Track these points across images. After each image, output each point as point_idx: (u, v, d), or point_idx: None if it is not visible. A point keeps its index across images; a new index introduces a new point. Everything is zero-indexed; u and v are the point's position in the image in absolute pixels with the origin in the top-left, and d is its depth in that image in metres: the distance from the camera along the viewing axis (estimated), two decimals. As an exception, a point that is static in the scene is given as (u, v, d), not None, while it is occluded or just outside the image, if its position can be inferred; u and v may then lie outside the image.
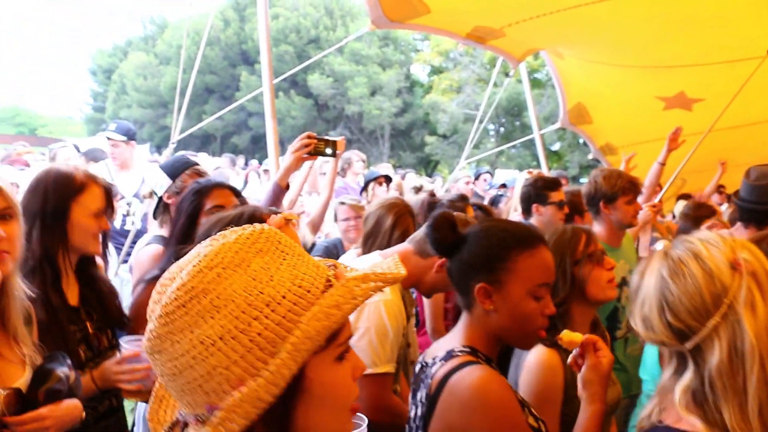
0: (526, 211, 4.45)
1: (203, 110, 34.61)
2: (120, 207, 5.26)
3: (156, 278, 2.49)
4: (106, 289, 2.57)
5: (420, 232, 2.84)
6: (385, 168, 9.32)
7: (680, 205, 6.12)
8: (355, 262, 3.03)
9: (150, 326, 0.99)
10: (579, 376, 1.87)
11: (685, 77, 6.52)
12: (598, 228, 3.83)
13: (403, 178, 9.88)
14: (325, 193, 5.07)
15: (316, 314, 0.97)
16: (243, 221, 2.10)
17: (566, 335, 1.84)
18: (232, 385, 0.94)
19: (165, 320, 0.96)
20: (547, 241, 1.93)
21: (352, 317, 1.06)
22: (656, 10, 5.27)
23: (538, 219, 4.36)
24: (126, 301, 3.46)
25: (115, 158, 5.55)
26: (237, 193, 2.88)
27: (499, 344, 1.87)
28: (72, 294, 2.41)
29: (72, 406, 1.92)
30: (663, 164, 5.26)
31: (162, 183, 3.44)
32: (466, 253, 1.85)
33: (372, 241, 3.23)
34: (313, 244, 5.05)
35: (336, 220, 4.83)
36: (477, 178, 8.97)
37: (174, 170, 3.47)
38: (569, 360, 1.89)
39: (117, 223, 5.24)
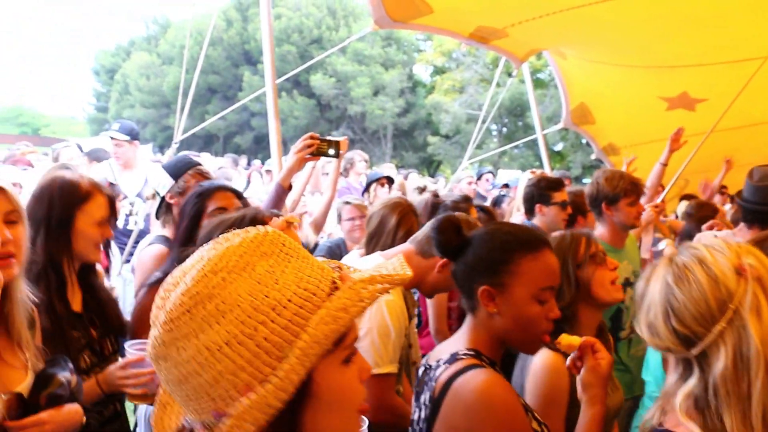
0: (529, 212, 4.44)
1: (206, 110, 34.65)
2: (123, 207, 5.27)
3: (158, 282, 2.51)
4: (105, 297, 2.58)
5: (421, 233, 2.84)
6: (388, 168, 9.32)
7: (683, 206, 6.11)
8: (358, 262, 3.03)
9: (154, 333, 0.98)
10: (578, 379, 1.86)
11: (688, 77, 6.51)
12: (601, 229, 3.83)
13: (405, 178, 9.88)
14: (328, 193, 5.07)
15: (324, 318, 0.96)
16: (245, 224, 2.10)
17: (564, 339, 1.83)
18: (239, 390, 0.93)
19: (170, 326, 0.95)
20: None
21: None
22: (659, 10, 5.27)
23: (541, 219, 4.35)
24: (129, 300, 3.46)
25: (119, 158, 5.55)
26: (239, 196, 2.89)
27: (503, 347, 1.87)
28: (76, 301, 2.42)
29: (73, 411, 1.91)
30: (665, 165, 5.25)
31: (164, 183, 3.44)
32: (470, 255, 1.86)
33: (376, 241, 3.23)
34: (316, 244, 5.05)
35: (340, 220, 4.83)
36: (479, 178, 8.95)
37: (176, 170, 3.47)
38: (567, 363, 1.89)
39: (120, 223, 5.24)
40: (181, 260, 2.51)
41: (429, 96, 36.47)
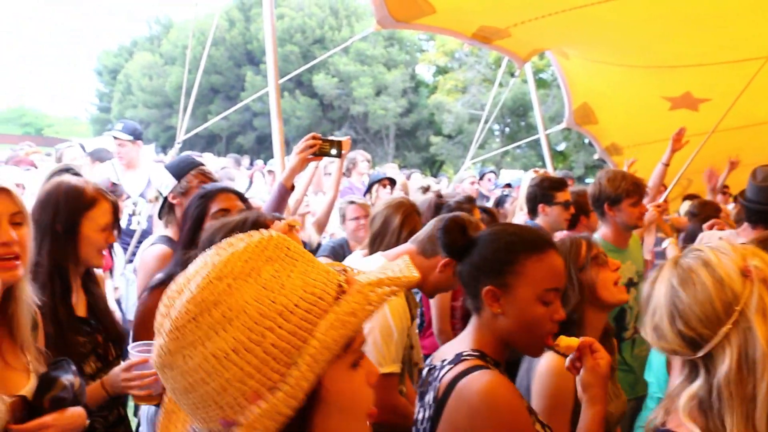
0: (532, 211, 4.44)
1: (208, 110, 34.67)
2: (126, 207, 5.27)
3: (160, 284, 2.52)
4: (103, 306, 2.59)
5: (423, 232, 2.84)
6: (390, 168, 9.32)
7: (686, 205, 6.11)
8: (361, 263, 3.03)
9: (159, 341, 0.97)
10: (578, 380, 1.86)
11: (691, 77, 6.50)
12: (604, 229, 3.83)
13: (408, 178, 9.88)
14: (331, 193, 5.07)
15: (333, 323, 0.95)
16: (246, 227, 2.11)
17: (563, 340, 1.83)
18: (247, 398, 0.92)
19: (175, 335, 0.94)
20: None
21: None
22: (662, 9, 5.26)
23: (544, 219, 4.35)
24: (132, 300, 3.47)
25: (122, 158, 5.55)
26: (242, 197, 2.89)
27: (508, 348, 1.87)
28: (81, 305, 2.44)
29: (76, 413, 1.92)
30: (667, 165, 5.26)
31: (167, 183, 3.44)
32: (475, 256, 1.86)
33: (380, 241, 3.24)
34: (319, 244, 5.05)
35: (344, 220, 4.82)
36: (481, 177, 8.96)
37: (179, 170, 3.47)
38: (566, 364, 1.89)
39: (123, 223, 5.25)
40: (184, 264, 2.52)
41: (431, 96, 36.45)
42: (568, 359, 1.88)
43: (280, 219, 2.15)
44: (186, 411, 1.00)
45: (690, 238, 4.80)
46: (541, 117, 8.07)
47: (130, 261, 4.73)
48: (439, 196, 4.82)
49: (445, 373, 1.78)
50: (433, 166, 37.25)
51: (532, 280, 1.78)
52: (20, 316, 1.91)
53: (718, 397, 1.35)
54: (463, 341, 1.87)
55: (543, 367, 2.18)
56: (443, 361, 1.84)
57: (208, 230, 2.26)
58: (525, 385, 2.26)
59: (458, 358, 1.79)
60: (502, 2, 5.51)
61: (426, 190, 6.87)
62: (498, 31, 5.90)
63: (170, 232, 3.38)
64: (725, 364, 1.34)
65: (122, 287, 4.67)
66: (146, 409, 2.86)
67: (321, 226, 5.23)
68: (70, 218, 2.37)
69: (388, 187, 6.05)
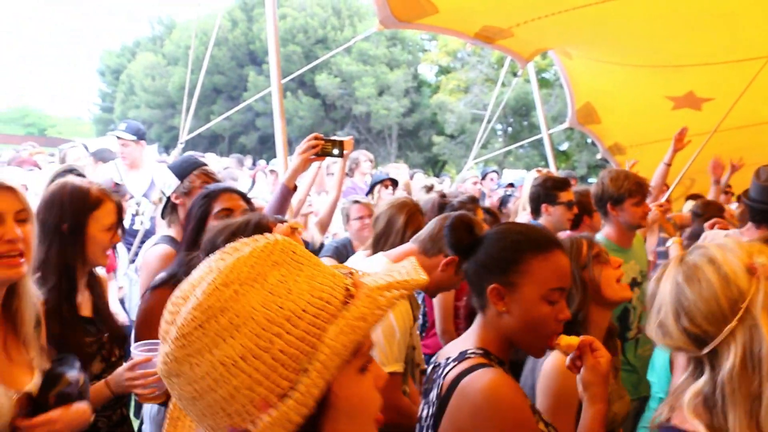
0: (535, 211, 4.44)
1: (211, 110, 34.68)
2: (129, 207, 5.28)
3: (163, 283, 2.53)
4: (106, 306, 2.61)
5: (424, 232, 2.85)
6: (395, 168, 9.31)
7: (689, 205, 6.10)
8: (364, 263, 3.03)
9: (165, 349, 0.95)
10: (578, 378, 1.87)
11: (694, 77, 6.48)
12: (607, 229, 3.82)
13: (411, 178, 9.87)
14: (333, 193, 5.07)
15: (343, 329, 0.94)
16: (249, 229, 2.12)
17: (563, 339, 1.83)
18: (256, 405, 0.91)
19: (182, 342, 0.92)
20: None
21: None
22: (665, 9, 5.25)
23: (547, 219, 4.34)
24: (135, 300, 3.47)
25: (125, 158, 5.56)
26: (245, 198, 2.89)
27: (512, 347, 1.87)
28: (86, 306, 2.46)
29: (82, 409, 1.94)
30: (669, 165, 5.26)
31: (170, 183, 3.44)
32: (481, 254, 1.87)
33: (384, 241, 3.24)
34: (322, 244, 5.05)
35: (347, 220, 4.82)
36: (483, 177, 8.95)
37: (182, 170, 3.47)
38: (567, 363, 1.89)
39: (126, 223, 5.25)
40: (186, 264, 2.52)
41: (434, 96, 36.45)
42: (568, 358, 1.88)
43: (282, 221, 2.16)
44: (193, 419, 0.99)
45: (693, 238, 4.79)
46: (544, 117, 8.06)
47: (134, 261, 4.73)
48: (443, 195, 4.81)
49: (449, 370, 1.79)
50: (435, 166, 37.24)
51: (538, 279, 1.78)
52: (24, 312, 1.93)
53: (722, 393, 1.36)
54: (468, 339, 1.88)
55: (548, 365, 2.18)
56: (447, 358, 1.84)
57: (210, 232, 2.26)
58: (530, 384, 2.26)
59: (462, 356, 1.80)
60: (505, 2, 5.50)
61: (429, 189, 6.88)
62: (501, 30, 5.89)
63: (173, 232, 3.39)
64: (730, 361, 1.35)
65: (126, 287, 4.68)
66: (149, 408, 2.87)
67: (324, 226, 5.23)
68: (76, 219, 2.39)
69: (390, 187, 6.05)
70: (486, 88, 31.93)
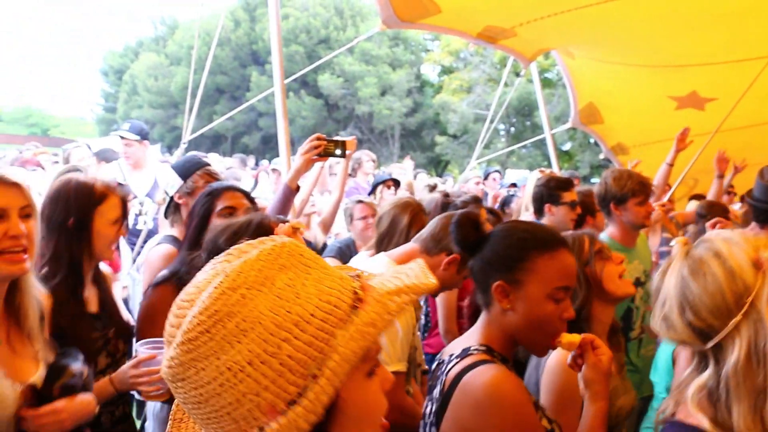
0: (538, 211, 4.43)
1: (214, 111, 34.74)
2: (132, 206, 5.29)
3: (164, 280, 2.54)
4: (112, 301, 2.63)
5: (426, 231, 2.85)
6: (398, 168, 9.30)
7: (692, 205, 6.09)
8: (368, 263, 3.03)
9: (170, 353, 0.94)
10: (579, 376, 1.87)
11: (697, 76, 6.47)
12: (611, 229, 3.82)
13: (414, 178, 9.88)
14: (336, 193, 5.07)
15: (353, 334, 0.93)
16: (251, 229, 2.12)
17: (564, 337, 1.83)
18: (262, 411, 0.90)
19: (188, 347, 0.91)
20: None
21: None
22: (668, 8, 5.24)
23: (550, 219, 4.34)
24: (137, 299, 3.47)
25: (128, 157, 5.57)
26: (248, 197, 2.89)
27: (516, 346, 1.87)
28: (93, 301, 2.47)
29: (86, 400, 1.96)
30: (671, 165, 5.25)
31: (173, 183, 3.45)
32: (487, 251, 1.87)
33: (388, 241, 3.24)
34: (325, 244, 5.05)
35: (351, 220, 4.82)
36: (486, 177, 8.95)
37: (185, 170, 3.47)
38: (568, 361, 1.89)
39: (129, 223, 5.26)
40: (189, 264, 2.52)
41: (437, 96, 36.46)
42: (569, 356, 1.88)
43: (284, 221, 2.16)
44: (198, 423, 0.97)
45: (697, 239, 4.78)
46: (547, 117, 8.05)
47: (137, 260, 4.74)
48: (446, 195, 4.81)
49: (452, 366, 1.79)
50: (438, 165, 37.23)
51: (543, 277, 1.78)
52: (27, 307, 1.95)
53: (727, 388, 1.35)
54: (472, 336, 1.88)
55: (551, 362, 2.19)
56: (451, 355, 1.85)
57: (211, 231, 2.26)
58: (534, 381, 2.27)
59: (465, 353, 1.80)
60: (508, 2, 5.50)
61: (432, 188, 6.88)
62: (503, 30, 5.89)
63: (176, 231, 3.39)
64: (734, 356, 1.34)
65: (129, 287, 4.69)
66: (152, 406, 2.88)
67: (327, 226, 5.23)
68: (81, 214, 2.41)
69: (393, 188, 6.05)
70: (489, 88, 31.92)
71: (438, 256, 2.75)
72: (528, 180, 5.95)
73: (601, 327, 2.43)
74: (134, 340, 2.58)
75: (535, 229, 1.90)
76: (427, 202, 4.34)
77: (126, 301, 4.61)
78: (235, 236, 2.12)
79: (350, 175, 6.67)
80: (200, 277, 0.99)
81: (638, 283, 3.63)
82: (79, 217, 2.40)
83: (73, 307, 2.34)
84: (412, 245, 2.87)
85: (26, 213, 1.91)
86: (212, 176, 3.49)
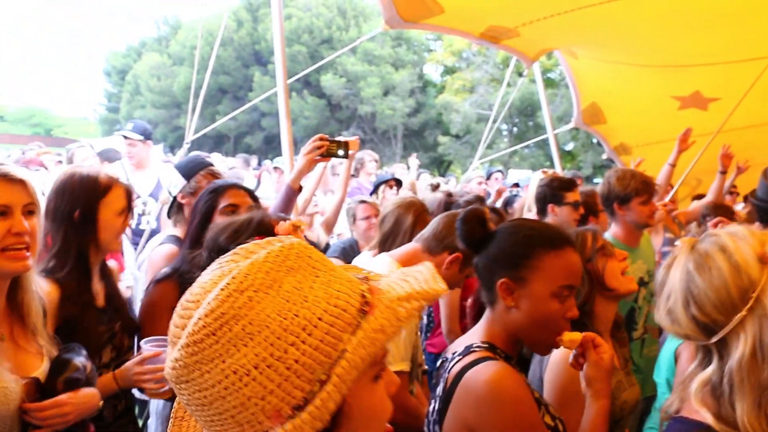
0: (541, 212, 4.43)
1: (216, 111, 34.74)
2: (136, 207, 5.29)
3: (166, 277, 2.55)
4: (118, 295, 2.63)
5: (428, 230, 2.85)
6: (400, 168, 9.30)
7: (695, 206, 6.08)
8: (371, 263, 3.03)
9: (175, 355, 0.92)
10: (581, 375, 1.87)
11: (700, 76, 6.47)
12: (615, 228, 3.82)
13: (417, 178, 9.88)
14: (339, 193, 5.08)
15: (362, 341, 0.92)
16: (251, 227, 2.12)
17: (566, 335, 1.84)
18: (267, 415, 0.88)
19: (193, 349, 0.89)
20: None
21: None
22: (671, 8, 5.24)
23: (553, 219, 4.33)
24: (139, 299, 3.47)
25: (132, 157, 5.57)
26: (252, 195, 2.89)
27: (520, 343, 1.87)
28: (100, 295, 2.48)
29: (90, 394, 1.97)
30: (673, 165, 5.24)
31: (177, 183, 3.45)
32: (493, 248, 1.87)
33: (392, 241, 3.24)
34: (327, 245, 5.06)
35: (354, 220, 4.82)
36: (488, 177, 8.95)
37: (189, 170, 3.48)
38: (570, 361, 1.89)
39: (132, 223, 5.26)
40: (191, 263, 2.52)
41: (439, 96, 36.44)
42: (571, 356, 1.88)
43: (285, 219, 2.16)
44: (201, 425, 0.96)
45: (700, 238, 4.77)
46: (550, 117, 8.05)
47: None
48: (449, 195, 4.82)
49: (454, 364, 1.79)
50: (440, 166, 37.22)
51: (548, 275, 1.78)
52: (29, 302, 1.97)
53: (730, 383, 1.35)
54: (475, 334, 1.89)
55: (555, 357, 2.19)
56: (454, 353, 1.85)
57: (212, 230, 2.26)
58: (537, 377, 2.27)
59: (467, 350, 1.81)
60: (511, 2, 5.50)
61: (435, 187, 6.88)
62: (506, 30, 5.89)
63: (179, 231, 3.39)
64: (739, 351, 1.34)
65: (133, 287, 4.69)
66: (156, 404, 2.89)
67: (330, 226, 5.24)
68: (87, 205, 2.41)
69: (395, 188, 6.06)
70: (491, 88, 31.90)
71: (440, 255, 2.75)
72: (531, 180, 5.95)
73: (603, 323, 2.43)
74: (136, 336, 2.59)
75: (542, 227, 1.90)
76: (429, 202, 4.34)
77: (130, 302, 4.61)
78: (235, 234, 2.12)
79: (353, 175, 6.67)
80: (206, 277, 0.97)
81: (642, 283, 3.63)
82: (85, 208, 2.40)
83: (82, 298, 2.34)
84: (414, 245, 2.87)
85: (29, 210, 1.92)
86: (215, 176, 3.49)
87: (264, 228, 2.10)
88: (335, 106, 37.95)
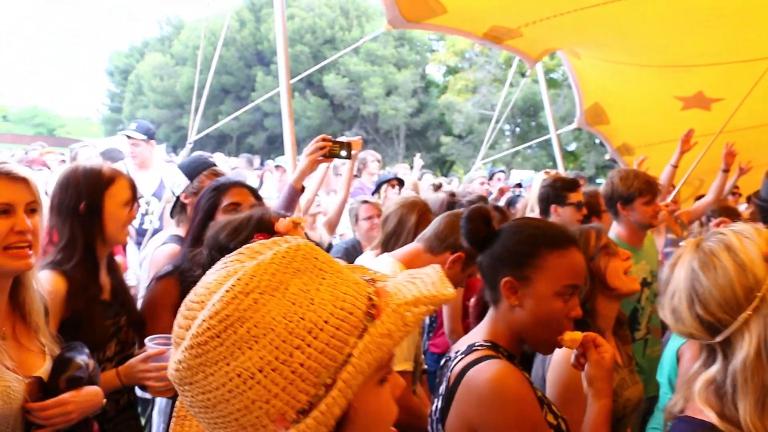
0: (544, 212, 4.43)
1: (219, 111, 34.81)
2: (139, 206, 5.29)
3: (167, 274, 2.55)
4: (125, 289, 2.63)
5: (429, 230, 2.85)
6: (402, 168, 9.30)
7: (697, 205, 6.07)
8: (373, 263, 3.03)
9: (178, 356, 0.91)
10: (582, 374, 1.86)
11: (703, 77, 6.45)
12: (618, 229, 3.81)
13: (420, 178, 9.88)
14: (342, 193, 5.08)
15: (368, 345, 0.90)
16: (251, 225, 2.12)
17: (567, 335, 1.83)
18: (271, 419, 0.87)
19: (197, 351, 0.88)
20: None
21: None
22: (674, 8, 5.23)
23: (556, 220, 4.33)
24: (141, 296, 3.47)
25: (135, 157, 5.58)
26: (255, 193, 2.89)
27: (523, 342, 1.87)
28: (106, 288, 2.49)
29: (93, 392, 1.98)
30: (675, 166, 5.24)
31: (180, 183, 3.46)
32: (497, 247, 1.87)
33: (395, 241, 3.24)
34: (330, 245, 5.06)
35: (356, 220, 4.82)
36: (491, 177, 8.95)
37: (192, 170, 3.48)
38: (572, 361, 1.89)
39: (136, 222, 5.27)
40: (192, 261, 2.52)
41: (442, 96, 36.45)
42: (572, 356, 1.88)
43: (284, 216, 2.16)
44: (204, 426, 0.95)
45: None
46: (552, 117, 8.04)
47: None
48: (452, 195, 4.82)
49: (457, 362, 1.79)
50: (443, 166, 37.23)
51: (552, 275, 1.78)
52: (31, 301, 1.97)
53: (734, 383, 1.34)
54: (478, 332, 1.89)
55: (557, 355, 2.19)
56: (457, 352, 1.85)
57: (212, 228, 2.26)
58: (540, 375, 2.27)
59: (470, 349, 1.81)
60: (514, 2, 5.49)
61: (438, 187, 6.87)
62: (509, 30, 5.88)
63: (181, 231, 3.39)
64: (743, 350, 1.33)
65: (136, 286, 4.69)
66: (160, 402, 2.89)
67: (332, 226, 5.24)
68: (92, 198, 2.42)
69: (397, 187, 6.06)
70: (494, 89, 31.91)
71: (442, 255, 2.75)
72: (534, 181, 5.94)
73: (605, 322, 2.43)
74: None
75: (546, 227, 1.90)
76: (432, 202, 4.33)
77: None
78: (235, 232, 2.12)
79: (355, 175, 6.67)
80: (210, 277, 0.96)
81: (645, 283, 3.62)
82: (90, 201, 2.41)
83: (88, 291, 2.35)
84: (416, 245, 2.87)
85: (32, 208, 1.92)
86: (218, 176, 3.49)
87: (264, 225, 2.10)
88: (338, 106, 37.97)
